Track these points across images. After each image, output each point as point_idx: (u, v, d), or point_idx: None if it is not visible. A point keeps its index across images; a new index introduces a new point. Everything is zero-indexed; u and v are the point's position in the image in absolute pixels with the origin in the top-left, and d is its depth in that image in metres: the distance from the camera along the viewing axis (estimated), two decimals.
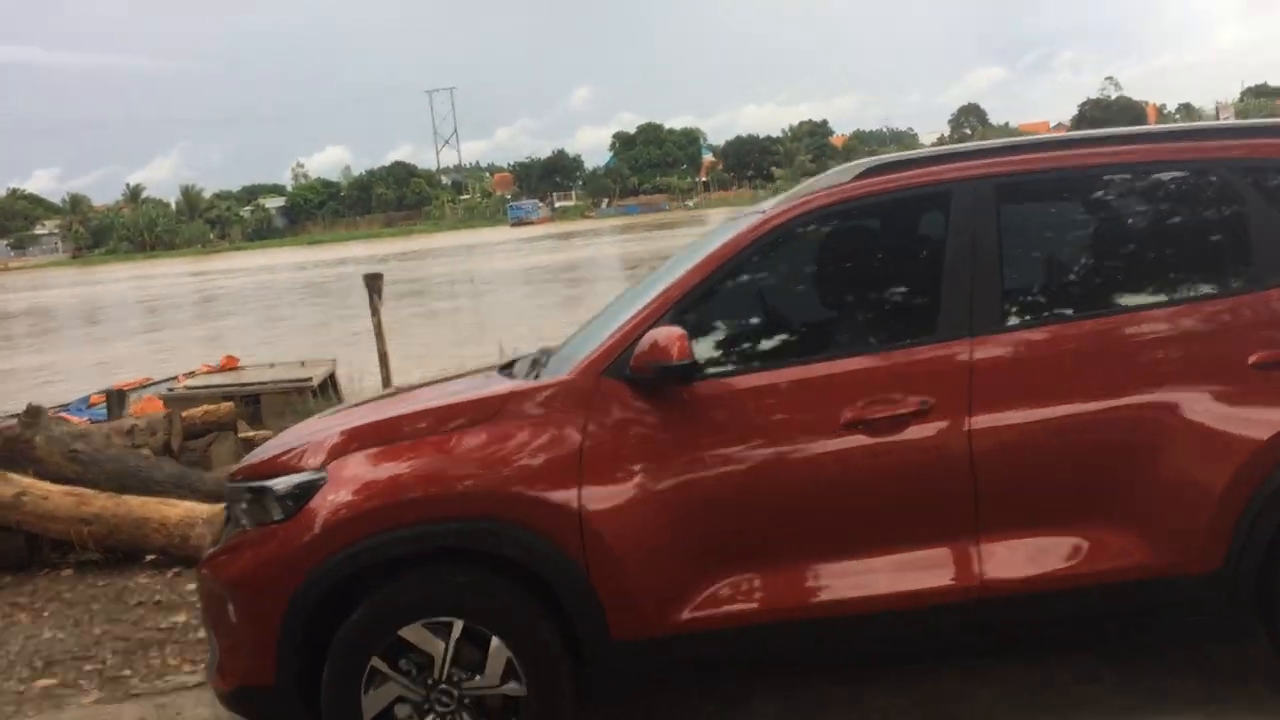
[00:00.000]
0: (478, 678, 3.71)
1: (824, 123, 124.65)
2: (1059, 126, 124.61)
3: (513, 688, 3.70)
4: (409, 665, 3.72)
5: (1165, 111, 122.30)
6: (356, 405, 4.80)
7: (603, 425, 3.73)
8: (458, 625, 3.70)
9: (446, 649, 3.70)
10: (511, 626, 3.70)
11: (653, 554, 3.69)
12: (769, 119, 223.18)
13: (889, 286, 3.99)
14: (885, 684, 4.18)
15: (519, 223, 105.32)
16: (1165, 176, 3.93)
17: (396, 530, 3.74)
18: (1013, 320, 3.76)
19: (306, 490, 3.81)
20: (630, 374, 3.72)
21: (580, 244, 58.99)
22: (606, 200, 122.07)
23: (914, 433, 3.65)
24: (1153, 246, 3.93)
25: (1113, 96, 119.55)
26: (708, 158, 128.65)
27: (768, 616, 3.69)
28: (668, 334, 3.63)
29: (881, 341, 3.83)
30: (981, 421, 3.65)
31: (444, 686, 3.69)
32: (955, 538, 3.67)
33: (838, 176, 4.00)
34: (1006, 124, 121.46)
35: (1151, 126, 4.32)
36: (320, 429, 4.14)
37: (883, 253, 4.08)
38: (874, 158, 4.04)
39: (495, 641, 3.69)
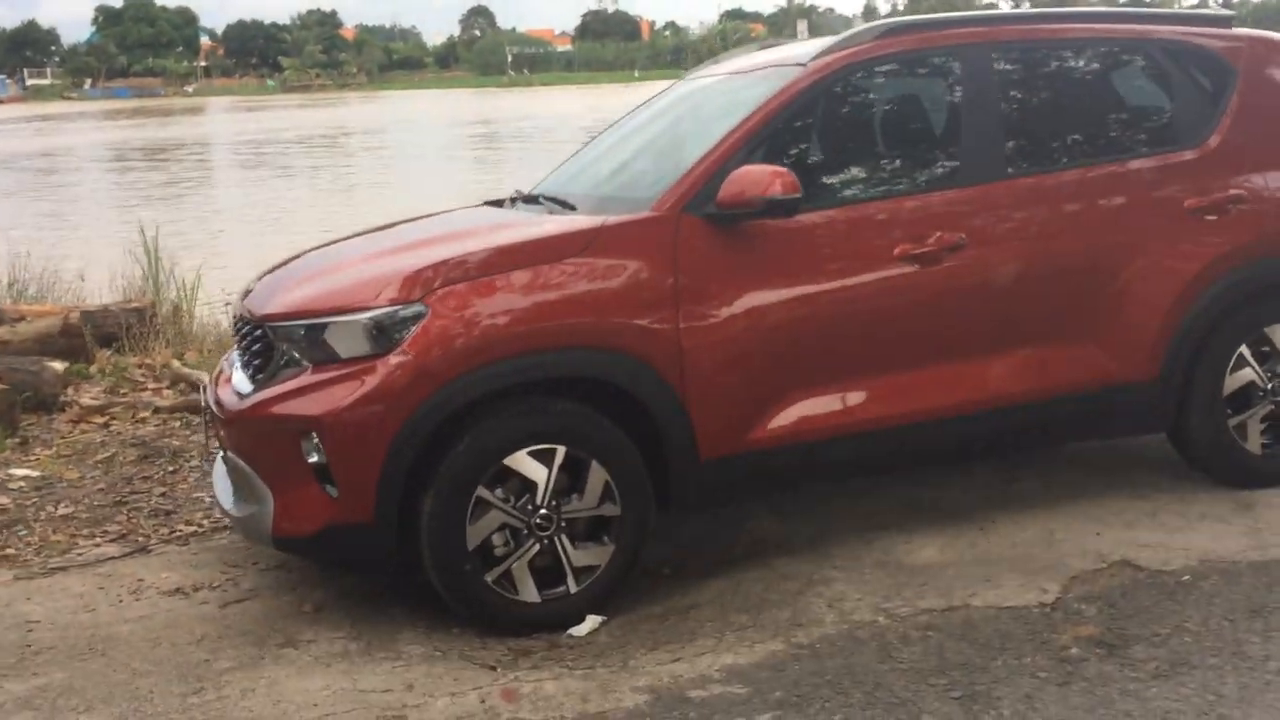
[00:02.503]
0: (576, 500, 3.86)
1: (334, 13, 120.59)
2: (563, 34, 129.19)
3: (608, 508, 3.89)
4: (508, 493, 3.80)
5: (656, 28, 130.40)
6: (382, 239, 4.59)
7: (690, 258, 3.96)
8: (560, 451, 3.82)
9: (550, 474, 3.81)
10: (610, 451, 3.88)
11: (737, 378, 4.01)
12: (272, 4, 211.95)
13: (925, 133, 4.51)
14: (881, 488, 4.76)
15: None
16: (1122, 51, 4.76)
17: (507, 360, 3.78)
18: (1011, 170, 4.40)
19: (404, 323, 3.73)
20: (716, 209, 3.97)
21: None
22: (90, 81, 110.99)
23: (952, 264, 4.21)
24: (1109, 109, 4.74)
25: (610, 10, 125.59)
26: (206, 41, 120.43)
27: (833, 431, 4.13)
28: (768, 171, 3.90)
29: (923, 183, 4.35)
30: (998, 255, 4.28)
31: (544, 511, 3.81)
32: (983, 355, 4.30)
33: (861, 36, 4.41)
34: (514, 29, 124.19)
35: (1101, 9, 5.09)
36: (380, 264, 4.01)
37: (915, 103, 4.58)
38: (894, 19, 4.51)
39: (595, 465, 3.86)
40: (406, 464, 3.72)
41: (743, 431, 4.04)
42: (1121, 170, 4.52)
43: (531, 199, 4.84)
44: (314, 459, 3.76)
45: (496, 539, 3.81)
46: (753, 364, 4.02)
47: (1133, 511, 4.50)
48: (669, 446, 3.96)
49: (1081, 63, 4.78)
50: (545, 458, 3.81)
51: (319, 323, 3.83)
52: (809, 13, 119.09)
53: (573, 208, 4.41)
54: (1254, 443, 4.65)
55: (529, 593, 3.84)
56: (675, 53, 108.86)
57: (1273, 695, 3.14)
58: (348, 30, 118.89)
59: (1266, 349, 4.64)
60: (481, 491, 3.77)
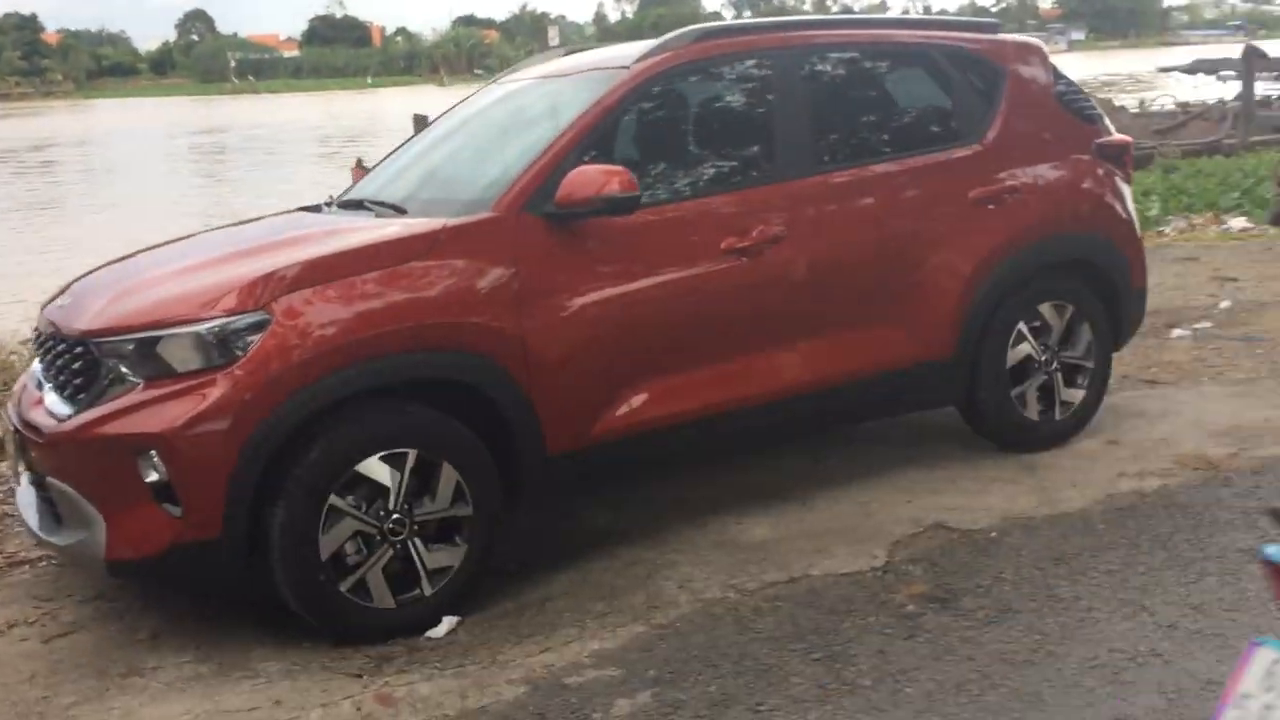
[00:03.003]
0: (428, 503, 3.88)
1: (34, 17, 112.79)
2: (289, 40, 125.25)
3: (460, 509, 3.93)
4: (359, 500, 3.79)
5: (387, 34, 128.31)
6: (189, 249, 4.44)
7: (530, 257, 4.05)
8: (412, 455, 3.83)
9: (402, 478, 3.82)
10: (460, 451, 3.92)
11: (579, 374, 4.12)
12: None
13: (743, 132, 4.72)
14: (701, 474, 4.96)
15: None
16: (912, 56, 5.13)
17: (355, 366, 3.77)
18: (821, 165, 4.69)
19: (244, 332, 3.66)
20: (555, 208, 4.06)
21: None
22: None
23: (774, 256, 4.45)
24: (903, 108, 5.12)
25: (339, 15, 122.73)
26: None
27: (671, 420, 4.30)
28: (605, 170, 4.02)
29: (744, 180, 4.57)
30: (814, 246, 4.56)
31: (397, 516, 3.82)
32: (805, 340, 4.57)
33: (679, 40, 4.59)
34: (236, 34, 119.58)
35: (889, 16, 5.42)
36: (209, 273, 3.90)
37: (733, 104, 4.78)
38: (707, 24, 4.71)
39: (446, 467, 3.89)
40: (255, 477, 3.65)
41: (586, 425, 4.16)
42: (916, 165, 4.89)
43: (354, 204, 4.80)
44: (153, 478, 3.64)
45: (349, 547, 3.79)
46: (593, 359, 4.14)
47: (934, 480, 4.88)
48: (517, 444, 4.04)
49: (877, 66, 5.13)
50: (397, 461, 3.81)
51: (150, 336, 3.70)
52: (544, 19, 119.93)
53: (403, 211, 4.41)
54: (1032, 410, 5.13)
55: (384, 599, 3.83)
56: (409, 59, 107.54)
57: (1087, 630, 3.50)
58: (51, 35, 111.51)
59: (1039, 324, 5.12)
60: (334, 499, 3.74)
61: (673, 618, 3.79)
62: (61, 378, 3.95)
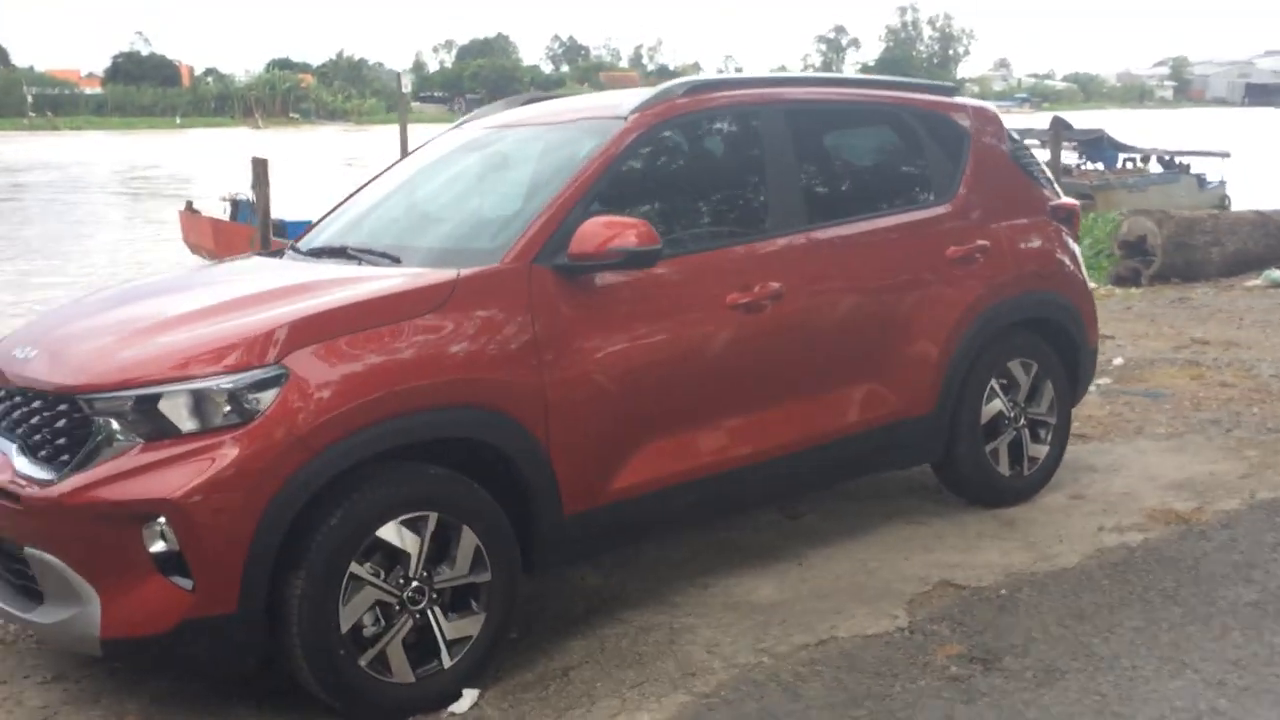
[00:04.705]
0: (447, 569, 3.65)
1: None
2: (90, 76, 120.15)
3: (480, 574, 3.70)
4: (377, 568, 3.53)
5: (196, 74, 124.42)
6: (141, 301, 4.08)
7: (545, 310, 3.87)
8: (433, 518, 3.60)
9: (423, 544, 3.58)
10: (480, 514, 3.70)
11: (596, 430, 3.95)
12: None
13: (740, 185, 4.63)
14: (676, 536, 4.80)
15: None
16: (887, 115, 5.16)
17: (379, 425, 3.51)
18: (813, 221, 4.65)
19: (258, 388, 3.37)
20: (569, 261, 3.90)
21: None
22: None
23: (774, 311, 4.38)
24: (882, 165, 5.16)
25: (145, 53, 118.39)
26: None
27: (682, 477, 4.16)
28: (622, 223, 3.88)
29: (744, 234, 4.48)
30: (813, 301, 4.51)
31: (416, 584, 3.58)
32: (805, 396, 4.51)
33: (670, 93, 4.49)
34: (32, 68, 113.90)
35: (859, 75, 5.40)
36: (211, 324, 3.58)
37: (727, 157, 4.68)
38: (697, 78, 4.61)
39: (465, 530, 3.66)
40: (275, 545, 3.35)
41: (602, 484, 3.99)
42: (899, 222, 4.91)
43: (328, 250, 4.51)
44: (158, 548, 3.30)
45: (367, 618, 3.52)
46: (610, 415, 3.98)
47: (921, 536, 4.87)
48: (535, 504, 3.83)
49: (857, 124, 5.16)
50: (417, 526, 3.57)
51: (151, 393, 3.36)
52: (361, 65, 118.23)
53: (397, 260, 4.16)
54: (1004, 465, 5.19)
55: (404, 673, 3.56)
56: (220, 100, 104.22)
57: (1142, 690, 3.51)
58: None
59: (1006, 382, 5.19)
60: (355, 567, 3.47)
61: (714, 685, 3.64)
62: (35, 437, 3.56)
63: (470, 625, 3.69)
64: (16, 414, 3.66)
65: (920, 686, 3.57)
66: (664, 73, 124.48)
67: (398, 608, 3.55)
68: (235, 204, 23.09)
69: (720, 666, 3.76)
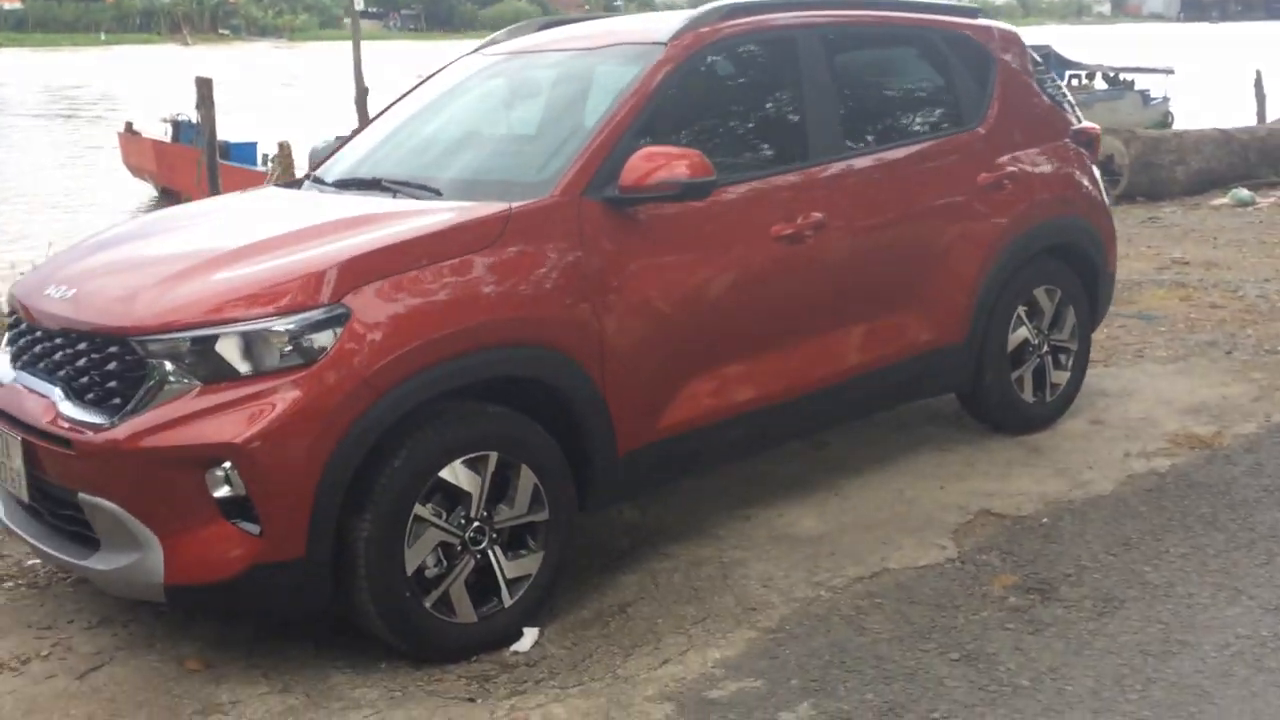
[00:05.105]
0: (506, 509, 3.60)
1: None
2: None
3: (538, 513, 3.66)
4: (438, 508, 3.47)
5: None
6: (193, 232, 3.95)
7: (597, 244, 3.78)
8: (493, 458, 3.54)
9: (483, 483, 3.53)
10: (538, 453, 3.64)
11: (649, 366, 3.89)
12: None
13: (782, 112, 4.53)
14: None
15: None
16: (918, 38, 5.08)
17: (443, 364, 3.43)
18: (849, 148, 4.58)
19: (320, 327, 3.27)
20: (619, 193, 3.80)
21: None
22: None
23: (817, 242, 4.33)
24: (916, 90, 5.09)
25: None
26: None
27: (731, 411, 4.13)
28: (674, 154, 3.76)
29: (784, 163, 4.40)
30: (854, 231, 4.46)
31: (477, 524, 3.53)
32: (846, 327, 4.48)
33: (708, 17, 4.36)
34: None
35: None
36: (263, 261, 3.46)
37: (768, 83, 4.57)
38: (728, 1, 4.44)
39: (525, 470, 3.61)
40: (343, 488, 3.28)
41: (654, 420, 3.94)
42: (933, 148, 4.86)
43: (355, 182, 4.36)
44: (223, 493, 3.21)
45: (429, 560, 3.46)
46: (660, 351, 3.92)
47: (951, 464, 4.89)
48: (590, 442, 3.78)
49: (889, 48, 5.08)
50: (478, 466, 3.51)
51: (209, 334, 3.25)
52: None
53: (438, 193, 4.03)
54: (1028, 393, 5.21)
55: (467, 613, 3.52)
56: (145, 16, 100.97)
57: (1202, 617, 3.56)
58: None
59: (1030, 309, 5.19)
60: (419, 509, 3.40)
61: (777, 620, 3.64)
62: (81, 380, 3.43)
63: (529, 564, 3.65)
64: (59, 355, 3.53)
65: (984, 618, 3.59)
66: None
67: (459, 548, 3.50)
68: (177, 125, 22.57)
69: (779, 601, 3.76)
